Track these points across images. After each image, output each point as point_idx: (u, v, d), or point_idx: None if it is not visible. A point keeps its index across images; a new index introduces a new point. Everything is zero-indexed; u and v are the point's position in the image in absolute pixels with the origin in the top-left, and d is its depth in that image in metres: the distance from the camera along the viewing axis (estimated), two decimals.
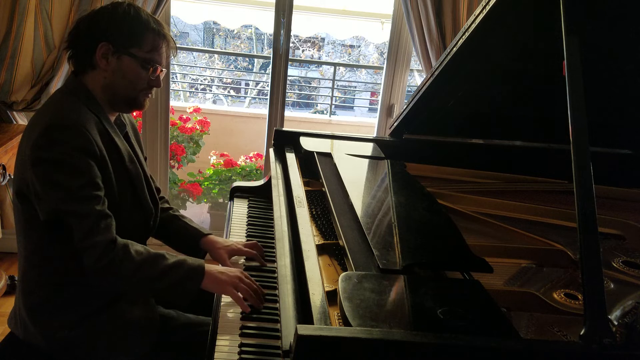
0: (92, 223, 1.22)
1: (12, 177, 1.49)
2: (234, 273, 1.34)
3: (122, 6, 1.33)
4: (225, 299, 1.34)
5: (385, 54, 2.99)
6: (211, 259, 1.53)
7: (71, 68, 1.38)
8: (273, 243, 1.56)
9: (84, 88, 1.34)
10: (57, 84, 2.41)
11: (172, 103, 3.62)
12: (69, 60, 1.36)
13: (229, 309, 1.31)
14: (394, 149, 1.95)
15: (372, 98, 9.49)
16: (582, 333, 0.88)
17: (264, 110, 4.78)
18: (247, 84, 9.39)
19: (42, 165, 1.22)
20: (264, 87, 8.59)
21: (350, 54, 11.55)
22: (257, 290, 1.32)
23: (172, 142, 3.50)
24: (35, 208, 1.26)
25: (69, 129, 1.23)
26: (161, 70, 1.38)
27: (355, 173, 1.68)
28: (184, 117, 3.73)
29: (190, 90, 8.70)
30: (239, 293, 1.29)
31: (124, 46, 1.31)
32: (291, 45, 2.81)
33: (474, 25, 1.40)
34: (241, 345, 1.16)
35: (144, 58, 1.33)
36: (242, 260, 1.53)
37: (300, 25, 5.83)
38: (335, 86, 8.25)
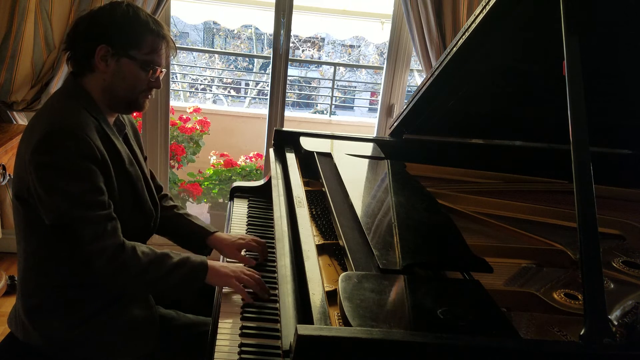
0: (99, 228, 1.23)
1: (12, 177, 1.49)
2: (236, 266, 1.38)
3: (121, 7, 1.32)
4: (225, 299, 1.34)
5: (385, 54, 2.99)
6: (217, 255, 1.56)
7: (70, 69, 1.37)
8: (273, 243, 1.55)
9: (83, 90, 1.33)
10: (57, 84, 2.41)
11: (172, 103, 3.61)
12: (67, 61, 1.35)
13: (229, 309, 1.31)
14: (394, 149, 1.95)
15: (372, 98, 9.49)
16: (582, 333, 0.88)
17: (264, 110, 4.78)
18: (247, 84, 9.38)
19: (44, 171, 1.21)
20: (264, 87, 8.59)
21: (350, 54, 11.55)
22: (260, 280, 1.36)
23: (172, 142, 3.50)
24: (35, 211, 1.26)
25: (70, 134, 1.22)
26: (161, 72, 1.38)
27: (355, 173, 1.68)
28: (184, 117, 3.73)
29: (190, 90, 8.69)
30: (241, 284, 1.34)
31: (123, 48, 1.30)
32: (291, 45, 2.81)
33: (474, 25, 1.40)
34: (241, 345, 1.16)
35: (143, 60, 1.32)
36: (243, 252, 1.55)
37: (300, 25, 5.82)
38: (335, 86, 8.24)
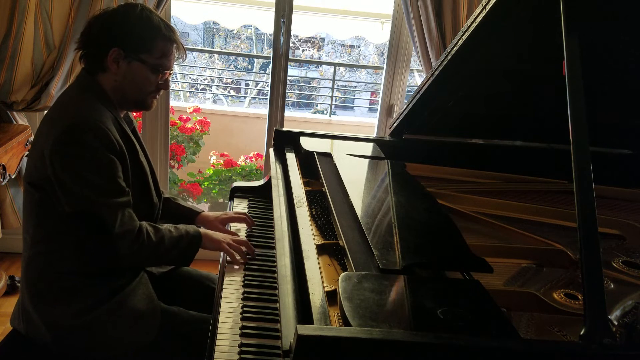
0: (122, 213, 1.31)
1: (25, 165, 1.51)
2: (224, 235, 1.52)
3: (135, 11, 1.36)
4: (226, 299, 1.35)
5: (385, 54, 2.99)
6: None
7: (82, 65, 1.41)
8: (273, 243, 1.56)
9: (98, 85, 1.38)
10: (57, 84, 2.41)
11: (172, 103, 3.62)
12: (80, 59, 1.40)
13: (230, 308, 1.31)
14: (394, 149, 1.95)
15: (372, 98, 9.49)
16: (582, 333, 0.88)
17: (264, 110, 4.78)
18: (247, 84, 9.38)
19: (69, 161, 1.27)
20: (264, 87, 8.59)
21: (350, 54, 11.54)
22: (247, 243, 1.51)
23: (172, 142, 3.50)
24: (51, 197, 1.29)
25: (92, 127, 1.28)
26: (169, 74, 1.43)
27: (355, 173, 1.68)
28: (184, 117, 3.73)
29: (190, 90, 8.69)
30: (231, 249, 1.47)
31: (135, 52, 1.35)
32: (291, 45, 2.81)
33: (474, 25, 1.40)
34: (241, 345, 1.16)
35: (154, 64, 1.37)
36: (244, 232, 1.67)
37: (300, 25, 5.83)
38: (335, 86, 8.24)
